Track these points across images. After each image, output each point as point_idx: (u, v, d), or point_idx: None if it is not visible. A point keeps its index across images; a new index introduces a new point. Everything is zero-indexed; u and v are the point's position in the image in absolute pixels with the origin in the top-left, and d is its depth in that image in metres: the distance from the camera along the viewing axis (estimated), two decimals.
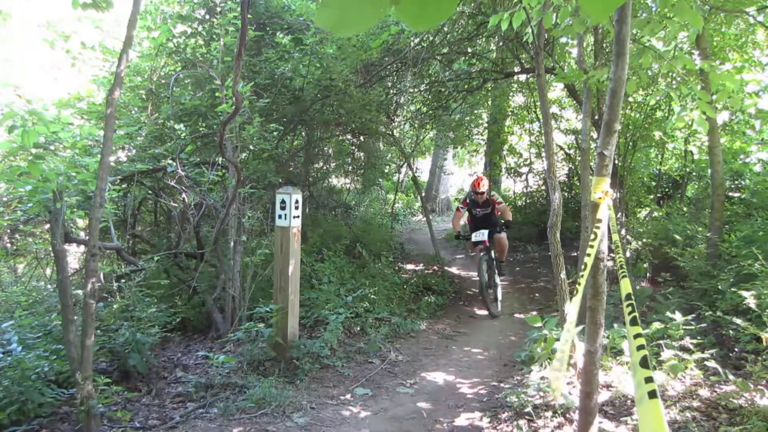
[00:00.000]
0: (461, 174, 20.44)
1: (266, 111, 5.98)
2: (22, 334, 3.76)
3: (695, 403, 3.37)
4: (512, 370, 4.60)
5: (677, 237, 5.90)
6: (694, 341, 3.96)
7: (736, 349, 4.08)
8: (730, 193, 6.52)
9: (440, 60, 8.47)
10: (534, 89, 9.74)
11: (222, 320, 5.24)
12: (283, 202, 4.54)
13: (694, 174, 8.09)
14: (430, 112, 9.70)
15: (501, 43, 8.94)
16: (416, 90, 9.29)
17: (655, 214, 7.84)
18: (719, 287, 4.45)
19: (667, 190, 8.88)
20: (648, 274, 6.55)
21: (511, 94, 11.43)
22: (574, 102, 8.42)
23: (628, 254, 6.64)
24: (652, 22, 3.50)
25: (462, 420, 3.62)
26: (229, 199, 5.14)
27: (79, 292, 4.05)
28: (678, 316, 4.11)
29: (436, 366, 4.80)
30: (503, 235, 6.94)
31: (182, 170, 5.20)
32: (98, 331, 4.03)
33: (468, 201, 7.04)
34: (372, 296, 6.08)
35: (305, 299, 5.51)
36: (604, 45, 6.56)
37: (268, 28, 6.59)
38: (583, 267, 2.16)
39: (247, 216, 5.37)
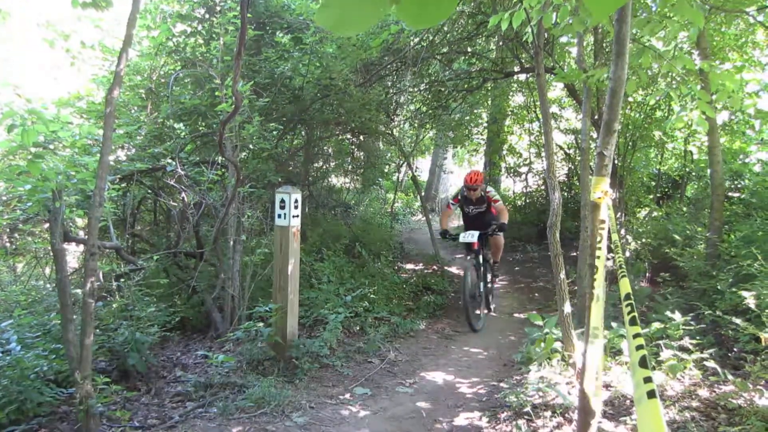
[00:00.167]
0: (461, 173, 20.46)
1: (266, 110, 5.98)
2: (21, 333, 3.75)
3: (694, 403, 3.38)
4: (511, 369, 4.60)
5: (677, 237, 5.90)
6: (693, 341, 3.97)
7: (735, 349, 4.09)
8: (730, 193, 6.52)
9: (440, 59, 8.47)
10: (534, 89, 9.75)
11: (221, 319, 5.24)
12: (282, 201, 4.53)
13: (693, 174, 8.10)
14: (430, 111, 9.70)
15: (501, 43, 8.95)
16: (416, 89, 9.29)
17: (655, 214, 7.85)
18: (718, 287, 4.46)
19: (666, 190, 8.88)
20: (647, 274, 6.55)
21: (511, 93, 11.44)
22: (574, 102, 8.42)
23: (627, 254, 6.65)
24: (652, 22, 3.50)
25: (461, 419, 3.62)
26: (228, 198, 5.13)
27: (79, 291, 4.04)
28: (677, 316, 4.11)
29: (435, 365, 4.80)
30: (499, 235, 6.27)
31: (182, 169, 5.20)
32: (97, 330, 4.03)
33: (460, 197, 6.37)
34: (371, 296, 6.08)
35: (304, 299, 5.51)
36: (604, 45, 6.57)
37: (267, 28, 6.59)
38: (595, 271, 2.16)
39: (246, 215, 5.37)
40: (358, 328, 5.57)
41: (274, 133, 5.95)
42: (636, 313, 1.62)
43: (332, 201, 9.54)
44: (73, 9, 3.79)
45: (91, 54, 5.89)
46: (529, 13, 3.74)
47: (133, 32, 3.41)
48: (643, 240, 6.76)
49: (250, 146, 5.76)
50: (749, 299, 3.71)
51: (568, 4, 3.42)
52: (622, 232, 7.01)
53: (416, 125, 10.55)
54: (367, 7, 0.98)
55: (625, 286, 1.80)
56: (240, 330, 4.52)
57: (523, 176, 12.16)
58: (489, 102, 11.38)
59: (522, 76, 9.69)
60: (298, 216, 4.61)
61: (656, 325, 4.10)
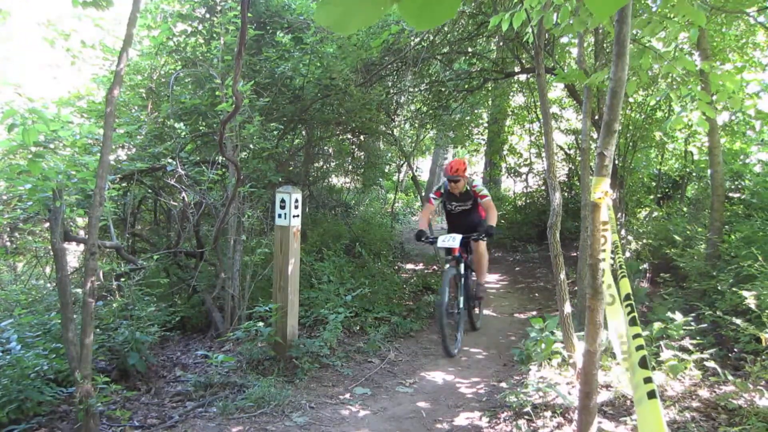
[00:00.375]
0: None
1: (266, 110, 5.98)
2: (22, 332, 3.75)
3: (694, 404, 3.38)
4: (511, 369, 4.60)
5: (677, 237, 5.90)
6: (694, 341, 3.97)
7: (735, 350, 4.09)
8: (730, 194, 6.52)
9: (440, 59, 8.47)
10: (534, 89, 9.75)
11: (221, 319, 5.24)
12: (282, 201, 4.53)
13: (694, 174, 8.10)
14: (431, 111, 9.70)
15: (501, 43, 8.95)
16: (416, 89, 9.29)
17: (655, 214, 7.85)
18: (719, 288, 4.46)
19: (667, 190, 8.88)
20: (648, 275, 6.55)
21: (512, 93, 11.45)
22: (575, 102, 8.42)
23: (627, 254, 6.64)
24: (653, 23, 3.49)
25: (461, 419, 3.62)
26: (228, 198, 5.13)
27: (79, 290, 4.04)
28: (678, 316, 4.11)
29: (435, 365, 4.80)
30: (483, 244, 5.26)
31: (182, 169, 5.20)
32: (97, 329, 4.03)
33: (442, 191, 5.43)
34: (371, 296, 6.08)
35: (305, 298, 5.51)
36: (605, 45, 6.56)
37: (268, 27, 6.59)
38: (603, 273, 2.15)
39: (246, 215, 5.37)
40: (358, 328, 5.57)
41: (275, 132, 5.95)
42: (636, 314, 1.62)
43: (332, 201, 9.54)
44: (74, 8, 3.79)
45: (92, 53, 5.89)
46: (530, 14, 3.74)
47: (133, 32, 3.41)
48: (644, 240, 6.76)
49: (251, 146, 5.76)
50: (750, 299, 3.71)
51: (569, 4, 3.42)
52: (623, 232, 7.01)
53: (417, 125, 10.55)
54: (367, 5, 0.97)
55: (625, 286, 1.80)
56: (240, 330, 4.52)
57: (524, 176, 12.16)
58: (489, 102, 11.38)
59: (522, 77, 9.69)
60: (298, 216, 4.60)
61: (657, 325, 4.10)
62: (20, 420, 3.25)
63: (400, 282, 7.32)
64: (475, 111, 11.27)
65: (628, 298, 1.67)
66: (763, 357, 3.53)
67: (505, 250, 10.99)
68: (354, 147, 9.74)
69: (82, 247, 5.49)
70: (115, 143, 5.01)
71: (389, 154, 10.73)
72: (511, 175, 12.36)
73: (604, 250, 2.25)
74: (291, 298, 4.55)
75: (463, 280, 5.18)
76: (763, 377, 3.43)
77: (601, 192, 2.39)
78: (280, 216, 4.57)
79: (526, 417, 3.41)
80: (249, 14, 4.42)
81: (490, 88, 10.11)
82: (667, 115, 7.68)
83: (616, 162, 7.26)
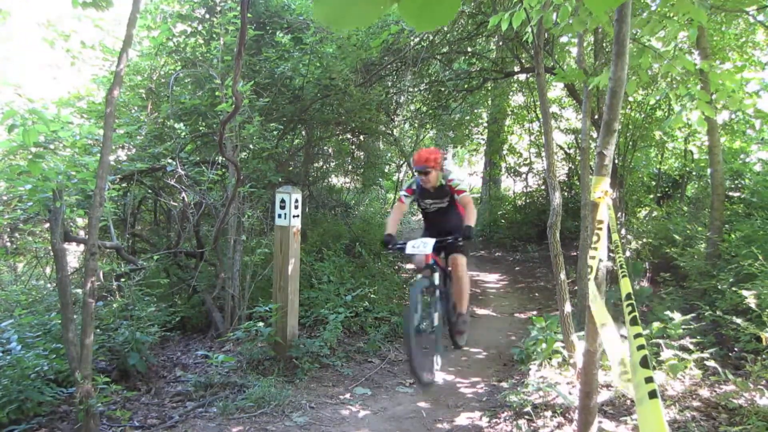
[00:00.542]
0: (461, 173, 20.46)
1: (266, 110, 5.98)
2: (22, 332, 3.75)
3: (695, 403, 3.38)
4: (512, 369, 4.60)
5: (677, 237, 5.90)
6: (694, 341, 3.97)
7: (735, 349, 4.09)
8: (730, 193, 6.52)
9: (440, 59, 8.48)
10: (534, 89, 9.75)
11: (221, 319, 5.24)
12: (282, 201, 4.53)
13: (693, 173, 8.10)
14: (430, 111, 9.70)
15: (501, 43, 8.95)
16: (416, 89, 9.30)
17: (655, 213, 7.85)
18: (719, 287, 4.45)
19: (666, 189, 8.88)
20: (648, 274, 6.55)
21: (511, 93, 11.45)
22: (574, 101, 8.43)
23: (627, 254, 6.64)
24: (652, 22, 3.49)
25: (462, 419, 3.62)
26: (228, 198, 5.13)
27: (79, 291, 4.04)
28: (678, 316, 4.11)
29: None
30: (462, 261, 4.34)
31: (182, 169, 5.20)
32: (97, 330, 4.03)
33: (414, 188, 4.57)
34: (372, 295, 6.07)
35: (305, 298, 5.51)
36: (604, 44, 6.56)
37: (267, 28, 6.58)
38: (590, 270, 2.16)
39: (246, 215, 5.37)
40: (358, 328, 5.57)
41: (275, 133, 5.95)
42: (637, 313, 1.62)
43: (332, 201, 9.54)
44: (74, 9, 3.78)
45: (92, 54, 5.89)
46: (529, 13, 3.74)
47: (133, 32, 3.41)
48: (644, 240, 6.76)
49: (251, 146, 5.76)
50: (750, 299, 3.71)
51: (568, 4, 3.42)
52: (623, 231, 7.01)
53: (416, 125, 10.55)
54: (366, 3, 0.97)
55: (625, 286, 1.80)
56: (240, 330, 4.52)
57: (524, 176, 12.17)
58: (489, 102, 11.39)
59: (522, 76, 9.69)
60: (298, 216, 4.60)
61: (657, 324, 4.10)
62: (20, 420, 3.25)
63: (400, 282, 7.32)
64: (475, 111, 11.29)
65: (628, 298, 1.67)
66: (764, 356, 3.54)
67: (505, 250, 10.99)
68: (354, 147, 9.74)
69: (82, 247, 5.49)
70: (115, 144, 5.01)
71: (389, 154, 10.74)
72: (511, 174, 12.37)
73: (595, 248, 2.25)
74: (291, 298, 4.55)
75: (438, 292, 4.23)
76: (764, 376, 3.43)
77: (601, 191, 2.39)
78: (280, 216, 4.57)
79: (527, 417, 3.41)
80: (249, 15, 4.42)
81: (489, 88, 10.11)
82: (666, 114, 7.68)
83: (616, 161, 7.26)
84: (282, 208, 4.54)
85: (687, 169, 8.19)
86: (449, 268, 4.44)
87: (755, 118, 6.26)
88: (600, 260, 2.39)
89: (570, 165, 10.77)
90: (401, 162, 10.84)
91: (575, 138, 10.05)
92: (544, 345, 4.27)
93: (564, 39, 6.71)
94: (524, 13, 3.64)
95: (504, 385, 4.12)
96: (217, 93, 5.35)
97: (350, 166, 10.14)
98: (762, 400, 3.24)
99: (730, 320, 3.82)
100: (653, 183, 8.90)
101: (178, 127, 5.13)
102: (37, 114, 3.10)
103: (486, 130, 12.22)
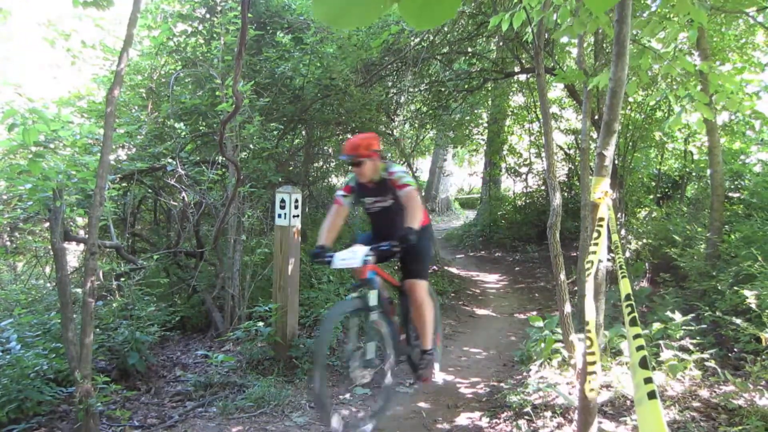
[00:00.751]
0: (461, 174, 20.48)
1: (266, 110, 5.98)
2: (21, 332, 3.75)
3: (695, 404, 3.38)
4: (512, 369, 4.60)
5: (677, 237, 5.90)
6: (694, 341, 3.97)
7: (735, 350, 4.09)
8: (730, 194, 6.53)
9: (440, 60, 8.48)
10: (534, 89, 9.75)
11: (221, 319, 5.24)
12: (282, 201, 4.53)
13: (693, 174, 8.10)
14: (430, 111, 9.71)
15: (501, 43, 8.95)
16: (416, 89, 9.30)
17: (655, 214, 7.85)
18: (719, 288, 4.46)
19: (666, 190, 8.89)
20: (648, 274, 6.55)
21: (511, 93, 11.46)
22: (574, 102, 8.43)
23: (627, 254, 6.65)
24: (652, 23, 3.50)
25: (462, 420, 3.62)
26: (228, 198, 5.13)
27: (79, 290, 4.04)
28: (678, 316, 4.11)
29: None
30: (420, 284, 3.53)
31: (182, 169, 5.20)
32: (97, 329, 4.03)
33: (353, 185, 3.71)
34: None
35: (305, 298, 5.51)
36: (604, 45, 6.57)
37: (268, 27, 6.59)
38: (588, 266, 2.16)
39: (246, 215, 5.37)
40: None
41: (275, 132, 5.95)
42: (636, 314, 1.62)
43: (332, 201, 9.53)
44: (74, 8, 3.79)
45: (92, 53, 5.89)
46: (530, 14, 3.74)
47: (133, 32, 3.41)
48: (644, 240, 6.76)
49: (251, 146, 5.76)
50: (751, 299, 3.71)
51: (568, 4, 3.42)
52: (623, 232, 7.01)
53: (416, 125, 10.55)
54: (366, 2, 0.97)
55: (625, 286, 1.80)
56: (240, 329, 4.52)
57: (524, 176, 12.18)
58: (489, 102, 11.39)
59: (522, 77, 9.70)
60: (298, 216, 4.61)
61: (656, 325, 4.10)
62: (20, 420, 3.25)
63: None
64: (475, 111, 11.28)
65: (628, 299, 1.67)
66: (763, 357, 3.54)
67: (505, 250, 11.00)
68: None
69: (82, 246, 5.49)
70: (115, 143, 5.01)
71: (389, 155, 10.72)
72: (511, 175, 12.37)
73: (596, 244, 2.25)
74: (291, 298, 4.55)
75: (378, 316, 3.34)
76: (763, 377, 3.43)
77: (601, 192, 2.40)
78: (280, 216, 4.57)
79: (527, 417, 3.41)
80: (249, 14, 4.42)
81: (489, 88, 10.11)
82: (666, 115, 7.68)
83: (616, 162, 7.26)
84: (282, 208, 4.54)
85: (687, 169, 8.19)
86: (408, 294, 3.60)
87: (755, 119, 6.26)
88: (599, 261, 2.39)
89: (570, 165, 10.77)
90: (401, 162, 10.83)
91: (575, 138, 10.05)
92: (543, 345, 4.27)
93: (564, 40, 6.71)
94: (524, 14, 3.64)
95: (504, 385, 4.12)
96: (217, 93, 5.35)
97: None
98: (761, 400, 3.25)
99: (729, 321, 3.82)
100: (653, 183, 8.90)
101: (178, 126, 5.13)
102: (37, 113, 3.10)
103: (486, 131, 12.22)
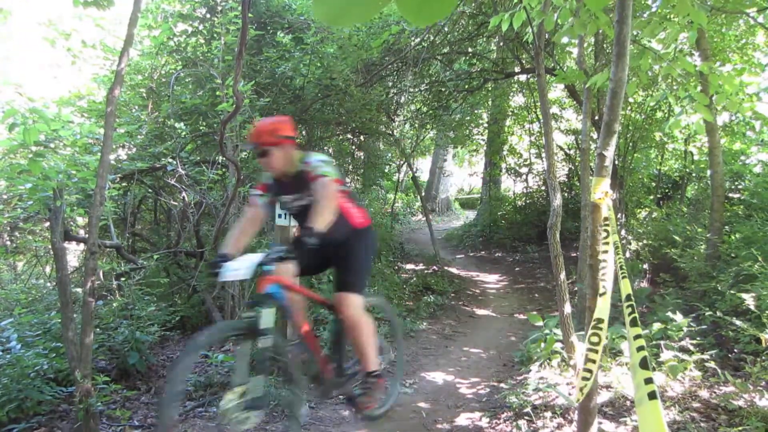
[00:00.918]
0: (461, 174, 20.49)
1: (267, 110, 5.98)
2: (22, 331, 3.76)
3: (694, 404, 3.38)
4: (512, 370, 4.60)
5: (677, 238, 5.90)
6: (694, 342, 3.97)
7: (735, 350, 4.08)
8: (730, 194, 6.52)
9: (441, 60, 8.48)
10: (534, 89, 9.75)
11: (221, 319, 5.23)
12: None
13: (693, 175, 8.10)
14: (431, 111, 9.71)
15: (501, 43, 8.95)
16: (416, 90, 9.30)
17: (655, 214, 7.85)
18: (719, 288, 4.45)
19: (666, 190, 8.89)
20: (648, 275, 6.55)
21: (512, 94, 11.46)
22: (575, 102, 8.42)
23: (627, 255, 6.64)
24: (652, 23, 3.49)
25: (462, 420, 3.62)
26: (229, 197, 5.13)
27: (79, 290, 4.04)
28: (679, 317, 4.11)
29: (435, 366, 4.80)
30: (354, 299, 2.96)
31: (182, 169, 5.20)
32: (97, 329, 4.03)
33: (270, 182, 3.12)
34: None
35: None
36: (605, 46, 6.57)
37: (268, 27, 6.59)
38: (604, 265, 2.15)
39: None
40: None
41: None
42: (637, 314, 1.62)
43: None
44: (75, 8, 3.79)
45: (92, 53, 5.90)
46: (530, 14, 3.74)
47: (134, 31, 3.41)
48: (644, 241, 6.76)
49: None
50: (750, 300, 3.71)
51: (568, 4, 3.42)
52: (623, 232, 7.01)
53: (417, 125, 10.56)
54: (365, 0, 0.97)
55: (625, 286, 1.80)
56: None
57: (524, 177, 12.18)
58: (489, 102, 11.39)
59: (522, 77, 9.70)
60: None
61: (657, 326, 4.10)
62: (20, 419, 3.25)
63: (400, 282, 7.32)
64: (475, 111, 11.28)
65: (629, 299, 1.67)
66: (763, 358, 3.53)
67: (505, 251, 11.00)
68: (354, 147, 9.74)
69: (82, 246, 5.49)
70: (115, 143, 5.01)
71: (389, 155, 10.74)
72: (511, 175, 12.38)
73: (606, 242, 2.25)
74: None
75: (272, 342, 2.68)
76: (763, 378, 3.43)
77: (601, 192, 2.39)
78: (280, 216, 4.57)
79: (527, 417, 3.41)
80: (249, 14, 4.42)
81: (490, 89, 10.11)
82: (667, 115, 7.68)
83: (616, 162, 7.26)
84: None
85: (687, 170, 8.19)
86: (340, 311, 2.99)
87: (755, 120, 6.27)
88: (598, 258, 2.39)
89: (570, 166, 10.78)
90: (401, 162, 10.85)
91: (575, 139, 10.05)
92: (543, 345, 4.26)
93: (565, 40, 6.70)
94: (525, 14, 3.64)
95: (504, 385, 4.12)
96: (217, 93, 5.35)
97: (350, 166, 10.14)
98: (761, 401, 3.24)
99: (729, 321, 3.82)
100: (653, 184, 8.90)
101: (178, 126, 5.13)
102: (37, 113, 3.10)
103: (486, 131, 12.23)
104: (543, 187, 11.54)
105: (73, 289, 3.95)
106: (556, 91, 10.60)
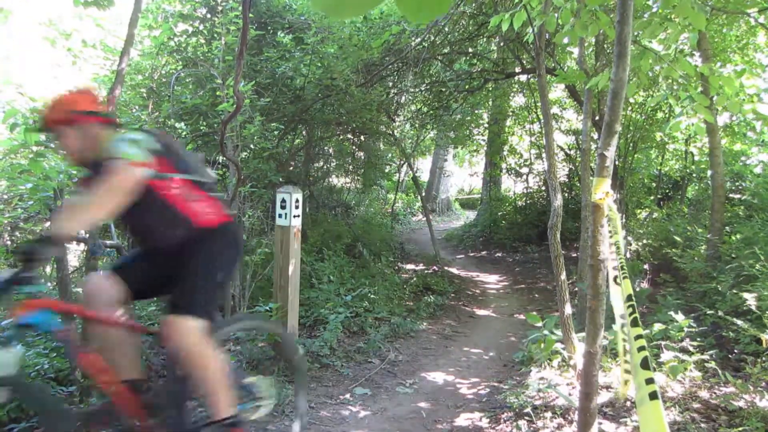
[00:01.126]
0: (462, 174, 20.49)
1: (267, 110, 5.98)
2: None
3: (695, 405, 3.38)
4: (512, 370, 4.60)
5: (677, 238, 5.91)
6: (694, 343, 3.97)
7: (735, 351, 4.08)
8: (731, 195, 6.52)
9: (441, 60, 8.48)
10: (535, 89, 9.75)
11: (221, 318, 5.24)
12: (283, 201, 4.54)
13: (694, 175, 8.10)
14: (431, 112, 9.71)
15: (502, 44, 8.95)
16: (417, 90, 9.30)
17: (655, 215, 7.85)
18: (719, 289, 4.45)
19: (667, 191, 8.89)
20: (648, 275, 6.55)
21: (512, 94, 11.46)
22: (575, 103, 8.43)
23: (627, 255, 6.64)
24: (653, 24, 3.49)
25: (462, 420, 3.62)
26: (229, 197, 5.13)
27: (79, 290, 4.04)
28: (680, 317, 4.11)
29: (435, 366, 4.80)
30: (182, 318, 2.16)
31: None
32: None
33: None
34: (372, 296, 6.07)
35: (305, 298, 5.51)
36: (605, 46, 6.57)
37: (269, 27, 6.59)
38: (622, 262, 2.14)
39: (247, 215, 5.37)
40: (358, 329, 5.57)
41: (275, 132, 5.95)
42: (638, 315, 1.62)
43: (333, 201, 9.55)
44: (75, 8, 3.79)
45: (93, 53, 5.89)
46: (530, 14, 3.74)
47: (134, 31, 3.42)
48: (644, 241, 6.76)
49: (251, 146, 5.76)
50: (751, 300, 3.71)
51: (569, 5, 3.42)
52: (623, 233, 7.01)
53: (417, 126, 10.56)
54: None
55: (626, 287, 1.80)
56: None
57: (524, 177, 12.18)
58: (490, 102, 11.40)
59: (523, 77, 9.70)
60: (299, 216, 4.61)
61: (657, 326, 4.10)
62: (20, 419, 3.25)
63: (400, 282, 7.32)
64: (476, 111, 11.29)
65: (629, 299, 1.67)
66: (764, 358, 3.54)
67: (506, 251, 11.00)
68: (354, 147, 9.75)
69: (83, 246, 5.49)
70: None
71: (389, 155, 10.74)
72: (512, 175, 12.38)
73: (615, 236, 2.25)
74: (291, 298, 4.55)
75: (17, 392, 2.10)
76: (764, 379, 3.43)
77: (602, 193, 2.40)
78: (280, 216, 4.58)
79: (527, 418, 3.41)
80: (250, 14, 4.42)
81: (490, 89, 10.12)
82: (667, 116, 7.69)
83: (617, 163, 7.26)
84: (283, 208, 4.54)
85: (687, 170, 8.20)
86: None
87: (756, 120, 6.26)
88: (602, 260, 2.39)
89: (570, 166, 10.78)
90: (402, 162, 10.85)
91: (576, 139, 10.05)
92: (543, 345, 4.26)
93: (565, 40, 6.70)
94: (525, 14, 3.64)
95: (504, 386, 4.12)
96: (218, 93, 5.35)
97: (351, 167, 10.15)
98: (762, 402, 3.24)
99: (730, 322, 3.82)
100: (654, 184, 8.91)
101: (179, 126, 5.13)
102: (38, 113, 3.11)
103: (487, 131, 12.23)
104: (543, 188, 11.54)
105: (74, 289, 3.95)
106: (557, 92, 10.60)
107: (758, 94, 5.85)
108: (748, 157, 7.10)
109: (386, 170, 10.69)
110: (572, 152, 10.72)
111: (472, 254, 11.23)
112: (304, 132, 8.14)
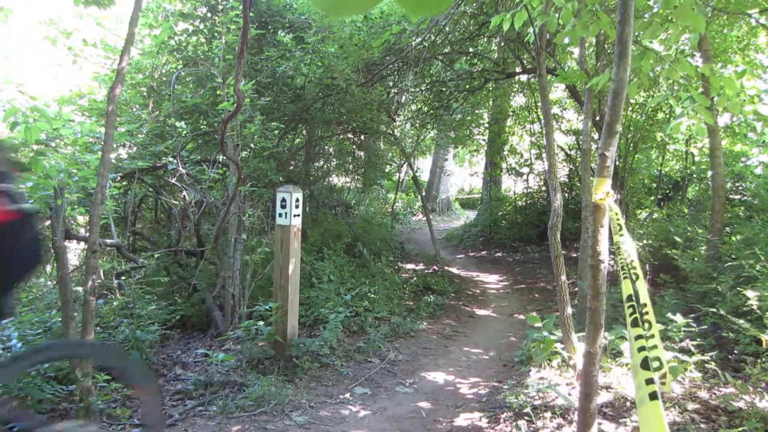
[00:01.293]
0: (462, 174, 20.49)
1: (267, 109, 5.98)
2: (22, 330, 3.76)
3: (695, 405, 3.38)
4: (512, 370, 4.60)
5: (677, 239, 5.90)
6: (694, 343, 3.97)
7: (735, 352, 4.09)
8: (731, 196, 6.52)
9: (442, 60, 8.47)
10: (535, 89, 9.75)
11: (222, 318, 5.24)
12: (283, 200, 4.53)
13: (694, 176, 8.10)
14: (431, 111, 9.71)
15: (502, 43, 8.95)
16: (417, 89, 9.30)
17: (656, 215, 7.85)
18: (719, 289, 4.45)
19: (667, 191, 8.89)
20: (648, 276, 6.55)
21: (513, 94, 11.46)
22: (576, 103, 8.43)
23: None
24: (654, 25, 3.49)
25: (461, 420, 3.62)
26: (229, 197, 5.13)
27: (80, 288, 4.05)
28: (679, 318, 4.11)
29: (435, 366, 4.80)
30: None
31: (183, 168, 5.20)
32: (98, 327, 4.03)
33: None
34: (372, 295, 6.08)
35: (305, 298, 5.51)
36: (606, 46, 6.56)
37: (269, 27, 6.59)
38: (630, 259, 2.12)
39: (247, 214, 5.37)
40: (358, 328, 5.57)
41: (276, 132, 5.95)
42: (638, 315, 1.62)
43: (333, 200, 9.55)
44: (75, 7, 3.79)
45: (93, 52, 5.89)
46: (531, 14, 3.74)
47: (135, 30, 3.42)
48: (644, 241, 6.76)
49: (252, 145, 5.76)
50: (753, 300, 3.71)
51: (570, 5, 3.41)
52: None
53: (417, 125, 10.56)
54: None
55: (626, 287, 1.80)
56: (240, 329, 4.52)
57: (524, 177, 12.18)
58: (490, 102, 11.39)
59: (523, 77, 9.70)
60: (299, 215, 4.61)
61: (658, 326, 4.09)
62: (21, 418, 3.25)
63: (400, 282, 7.32)
64: (476, 111, 11.28)
65: (629, 300, 1.67)
66: (763, 359, 3.54)
67: (506, 251, 11.00)
68: (355, 147, 9.74)
69: (83, 245, 5.49)
70: (116, 142, 5.00)
71: (390, 154, 10.74)
72: (512, 175, 12.38)
73: (621, 234, 2.25)
74: (291, 297, 4.55)
75: None
76: (763, 379, 3.43)
77: (603, 193, 2.40)
78: (280, 215, 4.57)
79: (526, 418, 3.41)
80: (251, 14, 4.42)
81: (491, 89, 10.12)
82: (668, 116, 7.69)
83: (617, 163, 7.26)
84: (283, 207, 4.54)
85: (688, 171, 8.19)
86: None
87: (757, 121, 6.26)
88: (601, 260, 2.39)
89: (571, 166, 10.77)
90: (402, 162, 10.85)
91: (576, 139, 10.05)
92: (543, 346, 4.26)
93: (566, 40, 6.69)
94: (526, 14, 3.64)
95: (504, 386, 4.12)
96: (218, 92, 5.35)
97: (351, 166, 10.14)
98: (761, 402, 3.24)
99: (730, 322, 3.82)
100: (654, 185, 8.90)
101: (179, 125, 5.14)
102: (38, 112, 3.11)
103: (487, 131, 12.23)
104: (543, 188, 11.53)
105: (74, 288, 3.95)
106: (558, 92, 10.60)
107: (759, 95, 5.85)
108: (749, 157, 7.10)
109: (386, 170, 10.69)
110: (572, 152, 10.72)
111: (472, 254, 11.23)
112: (304, 131, 8.14)
